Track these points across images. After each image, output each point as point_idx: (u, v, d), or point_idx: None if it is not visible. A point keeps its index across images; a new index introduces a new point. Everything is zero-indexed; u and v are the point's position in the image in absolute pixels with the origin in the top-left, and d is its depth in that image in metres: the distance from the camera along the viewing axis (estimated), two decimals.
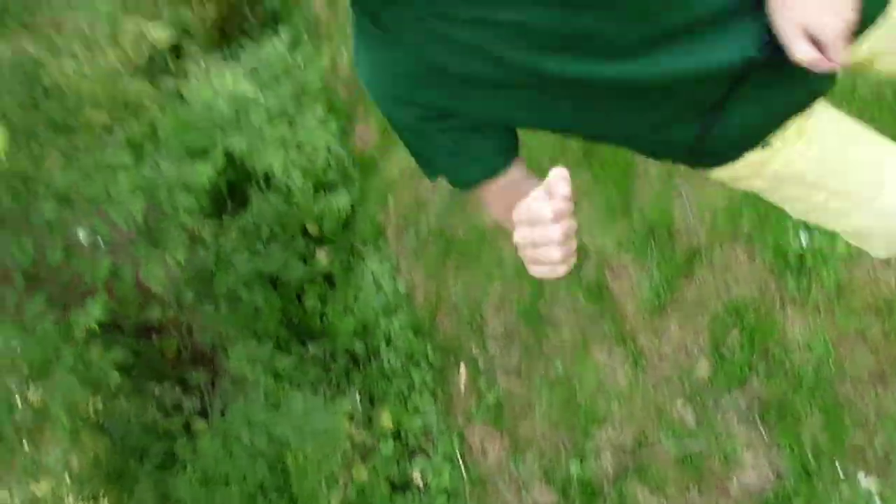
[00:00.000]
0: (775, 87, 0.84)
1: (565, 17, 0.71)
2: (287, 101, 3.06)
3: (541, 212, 0.66)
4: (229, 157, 2.69)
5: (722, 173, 0.98)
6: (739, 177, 0.98)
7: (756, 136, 0.90)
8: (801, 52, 0.76)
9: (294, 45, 3.63)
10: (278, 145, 2.85)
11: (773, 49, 0.76)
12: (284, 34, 3.85)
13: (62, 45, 3.25)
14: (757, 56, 0.76)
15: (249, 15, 4.06)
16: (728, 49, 0.76)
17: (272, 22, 4.09)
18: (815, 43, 0.76)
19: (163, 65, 3.67)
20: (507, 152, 0.88)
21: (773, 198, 1.08)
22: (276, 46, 3.29)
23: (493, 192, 0.89)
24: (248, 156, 2.59)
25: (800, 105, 0.90)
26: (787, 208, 1.10)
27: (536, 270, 0.71)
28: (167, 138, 2.72)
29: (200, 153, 2.62)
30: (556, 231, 0.66)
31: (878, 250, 1.23)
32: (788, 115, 0.90)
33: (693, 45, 0.75)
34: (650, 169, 2.16)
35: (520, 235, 0.69)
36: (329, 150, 3.25)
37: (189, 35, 3.69)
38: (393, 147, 3.20)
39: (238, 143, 2.83)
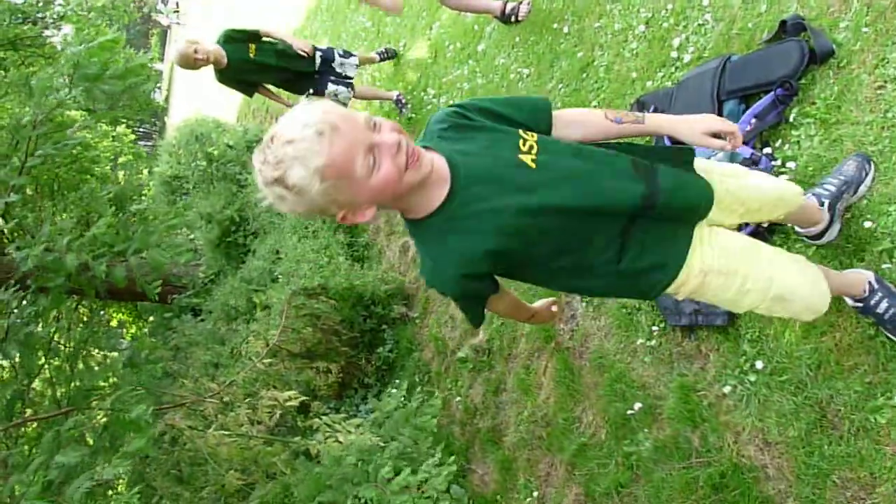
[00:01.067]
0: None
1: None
2: (408, 446, 3.20)
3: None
4: None
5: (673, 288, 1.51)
6: (680, 284, 1.49)
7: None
8: (719, 144, 1.48)
9: (409, 392, 3.90)
10: (403, 494, 2.92)
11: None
12: (400, 382, 4.17)
13: (207, 416, 3.62)
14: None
15: (366, 367, 4.46)
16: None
17: (387, 371, 4.46)
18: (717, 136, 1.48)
19: (292, 424, 3.97)
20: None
21: (707, 295, 1.53)
22: (393, 395, 3.54)
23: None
24: None
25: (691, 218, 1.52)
26: (722, 300, 1.55)
27: None
28: (302, 499, 2.85)
29: None
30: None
31: (804, 314, 1.65)
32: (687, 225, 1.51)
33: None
34: None
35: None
36: (450, 493, 3.28)
37: (314, 394, 4.04)
38: (513, 493, 3.22)
39: (366, 493, 2.92)
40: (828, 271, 1.93)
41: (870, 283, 1.94)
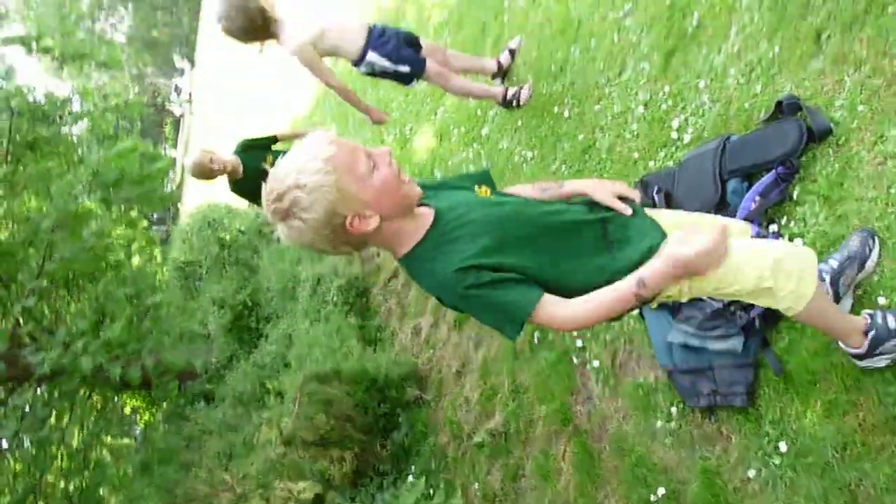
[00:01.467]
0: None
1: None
2: None
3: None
4: None
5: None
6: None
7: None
8: (623, 207, 1.74)
9: (426, 478, 3.81)
10: None
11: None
12: (416, 469, 4.08)
13: None
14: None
15: (381, 454, 4.37)
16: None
17: (403, 457, 4.37)
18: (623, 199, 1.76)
19: None
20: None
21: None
22: (411, 488, 3.47)
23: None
24: None
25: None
26: (722, 278, 1.64)
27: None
28: None
29: None
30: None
31: (787, 301, 1.68)
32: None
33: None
34: None
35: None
36: None
37: (329, 484, 3.95)
38: None
39: None
40: (829, 303, 1.95)
41: (867, 313, 1.98)
